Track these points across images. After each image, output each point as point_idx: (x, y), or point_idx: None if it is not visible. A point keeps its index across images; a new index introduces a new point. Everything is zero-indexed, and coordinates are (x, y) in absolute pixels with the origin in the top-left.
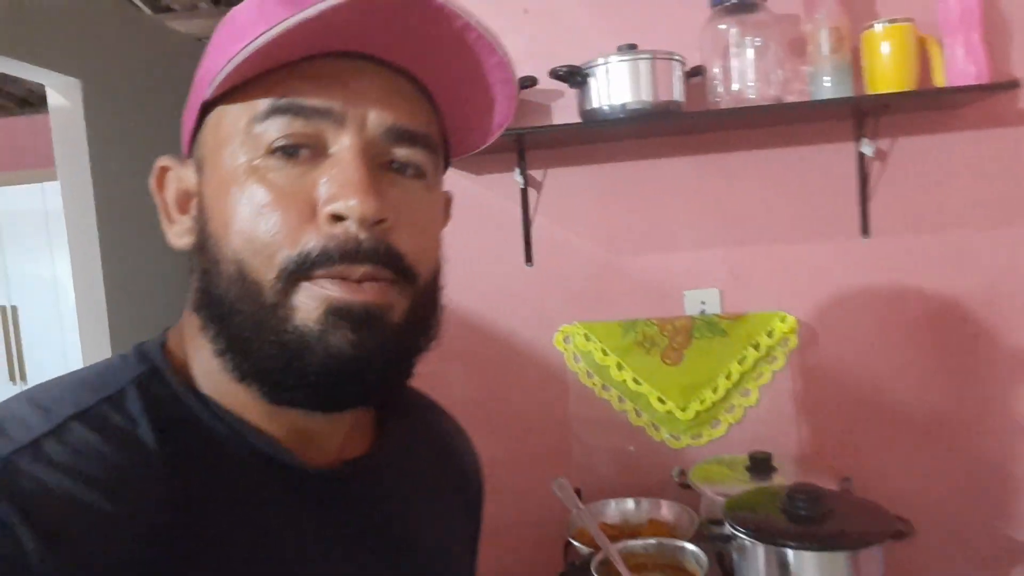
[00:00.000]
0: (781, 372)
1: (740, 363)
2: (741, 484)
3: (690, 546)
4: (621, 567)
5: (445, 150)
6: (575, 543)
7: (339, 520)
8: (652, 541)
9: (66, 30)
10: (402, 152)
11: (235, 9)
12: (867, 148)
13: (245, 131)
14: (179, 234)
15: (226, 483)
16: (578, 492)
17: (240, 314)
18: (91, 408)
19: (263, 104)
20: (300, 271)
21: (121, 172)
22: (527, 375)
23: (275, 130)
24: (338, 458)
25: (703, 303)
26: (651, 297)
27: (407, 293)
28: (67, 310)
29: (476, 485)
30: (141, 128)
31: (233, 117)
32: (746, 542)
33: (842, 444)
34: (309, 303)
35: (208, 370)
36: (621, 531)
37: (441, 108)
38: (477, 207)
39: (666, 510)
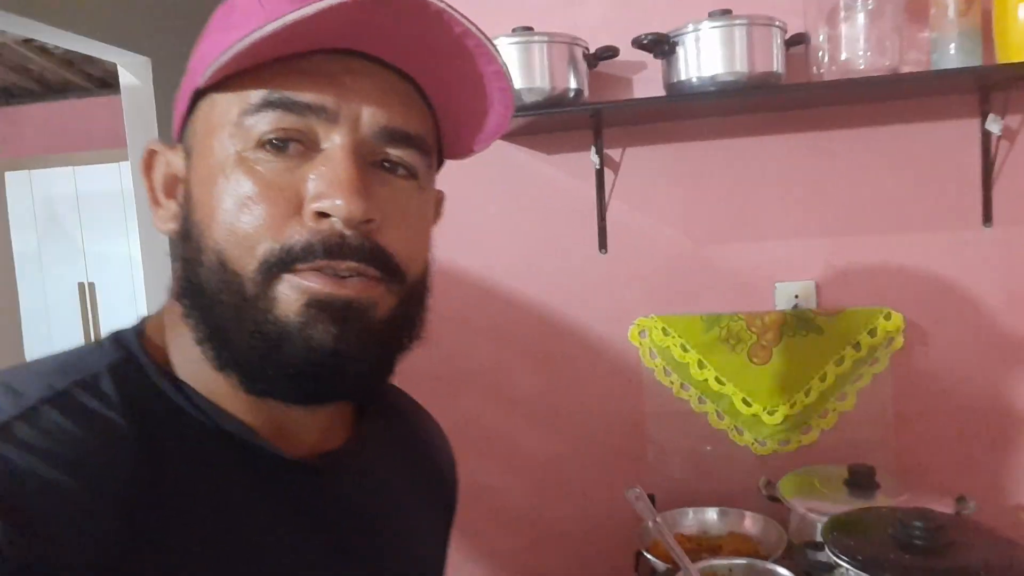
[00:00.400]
0: (883, 375)
1: (837, 364)
2: (839, 502)
3: (780, 570)
4: None
5: (439, 152)
6: (648, 556)
7: (311, 510)
8: (740, 561)
9: (136, 8)
10: (394, 152)
11: None
12: (994, 126)
13: (236, 122)
14: (164, 219)
15: (198, 468)
16: (652, 498)
17: (221, 304)
18: (63, 392)
19: (256, 96)
20: (282, 264)
21: None
22: (598, 371)
23: (266, 123)
24: (315, 449)
25: (796, 296)
26: (738, 289)
27: (394, 291)
28: (141, 287)
29: (450, 485)
30: None
31: (224, 107)
32: (851, 574)
33: (952, 459)
34: (290, 294)
35: (188, 358)
36: (699, 544)
37: (436, 111)
38: (548, 189)
39: (750, 523)
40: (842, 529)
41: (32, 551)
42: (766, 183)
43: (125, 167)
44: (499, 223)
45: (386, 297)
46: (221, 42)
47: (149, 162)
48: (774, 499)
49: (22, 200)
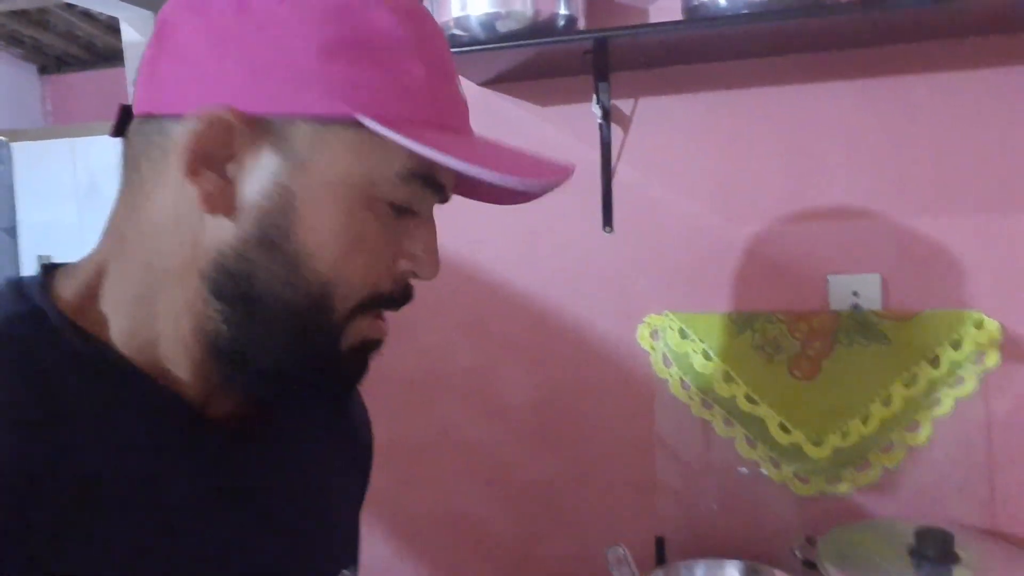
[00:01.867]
0: (970, 402)
1: (907, 384)
2: None
3: None
4: None
5: None
6: None
7: (234, 471)
8: None
9: None
10: None
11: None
12: None
13: (389, 179)
14: (214, 198)
15: (110, 424)
16: (660, 544)
17: (301, 324)
18: None
19: (410, 163)
20: (366, 307)
21: None
22: (600, 379)
23: (408, 194)
24: (235, 412)
25: (855, 294)
26: (779, 282)
27: None
28: None
29: (365, 447)
30: None
31: (382, 155)
32: None
33: None
34: (353, 333)
35: (117, 315)
36: None
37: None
38: (541, 151)
39: None
40: None
41: None
42: (819, 145)
43: None
44: None
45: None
46: (390, 85)
47: (220, 132)
48: (811, 565)
49: (64, 170)
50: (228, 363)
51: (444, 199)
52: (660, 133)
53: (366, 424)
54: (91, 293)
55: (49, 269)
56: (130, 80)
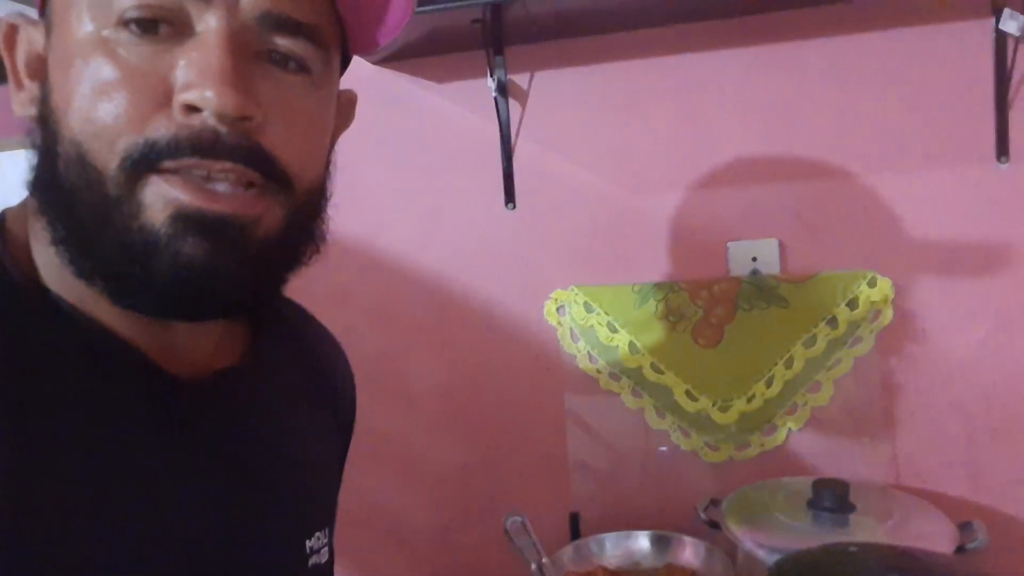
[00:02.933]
0: (867, 360)
1: (807, 346)
2: (799, 532)
3: None
4: None
5: (344, 45)
6: None
7: (200, 431)
8: None
9: None
10: (282, 42)
11: None
12: (1011, 23)
13: None
14: (24, 103)
15: (61, 383)
16: (575, 520)
17: (80, 204)
18: None
19: None
20: (146, 162)
21: None
22: (509, 359)
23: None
24: (207, 367)
25: (754, 259)
26: (680, 251)
27: (280, 202)
28: None
29: (348, 401)
30: None
31: None
32: None
33: (957, 471)
34: (156, 202)
35: (50, 261)
36: None
37: None
38: (440, 128)
39: (691, 553)
40: None
41: None
42: (714, 112)
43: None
44: (380, 175)
45: (272, 209)
46: None
47: (10, 37)
48: (716, 526)
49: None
50: (88, 276)
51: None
52: (557, 107)
53: (347, 377)
54: (22, 226)
55: (7, 211)
56: None
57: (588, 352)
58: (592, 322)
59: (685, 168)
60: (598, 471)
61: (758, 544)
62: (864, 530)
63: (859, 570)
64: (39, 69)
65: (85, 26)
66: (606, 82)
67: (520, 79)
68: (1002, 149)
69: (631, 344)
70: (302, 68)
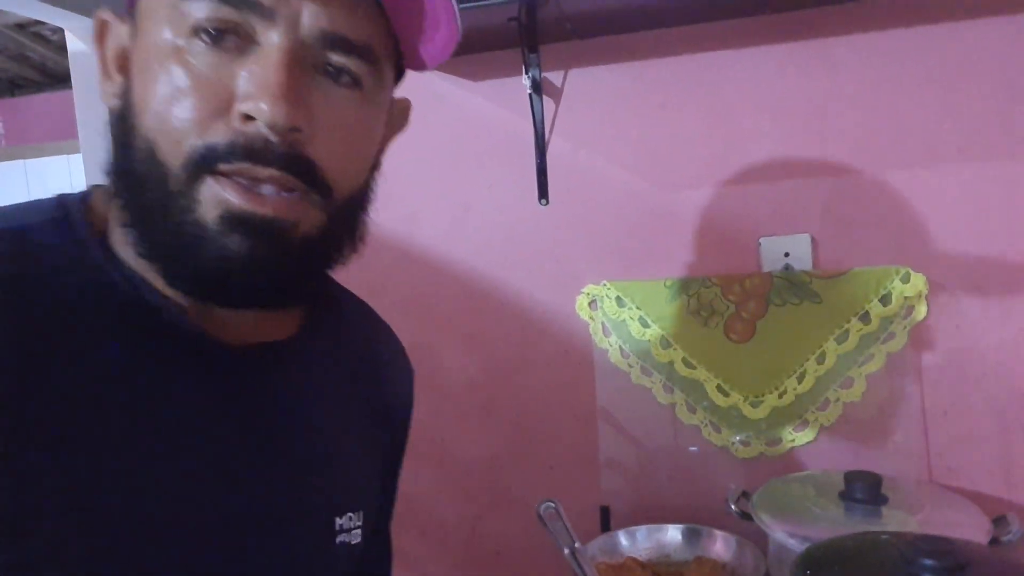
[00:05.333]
0: (900, 356)
1: (839, 341)
2: (831, 522)
3: None
4: None
5: (397, 61)
6: None
7: (243, 393)
8: None
9: None
10: (336, 58)
11: None
12: None
13: (173, 4)
14: (110, 95)
15: (119, 337)
16: (605, 513)
17: (146, 194)
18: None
19: None
20: (204, 163)
21: None
22: (540, 352)
23: (201, 12)
24: (250, 339)
25: (787, 255)
26: (712, 246)
27: (321, 207)
28: None
29: (401, 397)
30: None
31: None
32: None
33: (992, 467)
34: (210, 200)
35: (121, 238)
36: (656, 571)
37: (391, 19)
38: (475, 125)
39: (722, 546)
40: (820, 565)
41: None
42: (746, 109)
43: (76, 161)
44: (416, 170)
45: (311, 214)
46: None
47: (102, 32)
48: (747, 517)
49: (18, 191)
50: (148, 257)
51: (267, 15)
52: (591, 103)
53: (404, 378)
54: (105, 203)
55: (98, 186)
56: (77, 93)
57: (620, 346)
58: (624, 316)
59: (717, 164)
60: (629, 465)
61: (789, 534)
62: (896, 522)
63: (891, 557)
64: (124, 64)
65: (164, 33)
66: (638, 79)
67: (554, 76)
68: None
69: (663, 339)
70: (354, 82)
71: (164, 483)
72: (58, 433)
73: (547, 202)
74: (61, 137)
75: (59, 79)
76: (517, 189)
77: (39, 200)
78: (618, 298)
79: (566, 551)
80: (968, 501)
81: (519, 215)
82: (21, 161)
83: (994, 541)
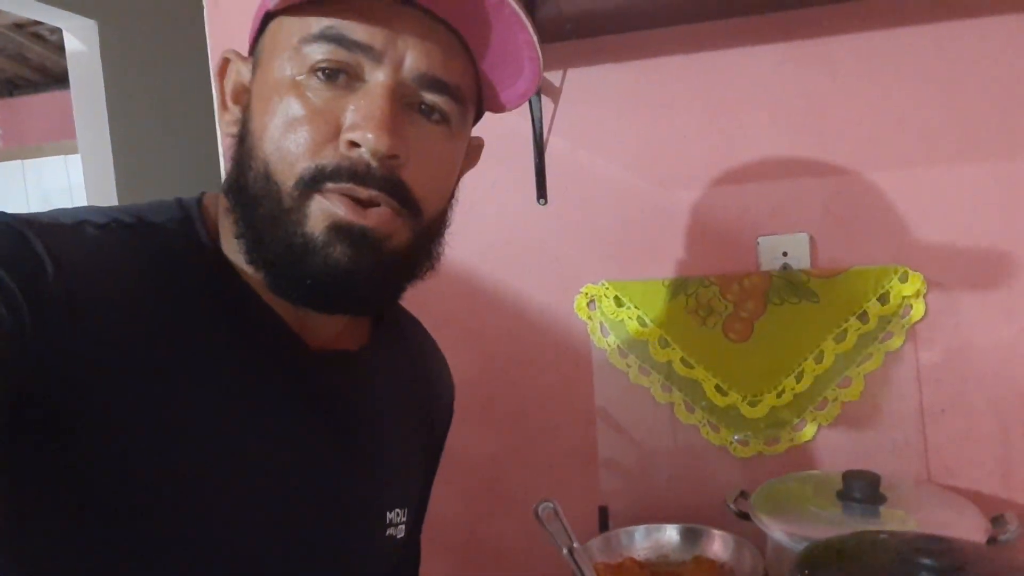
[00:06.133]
0: (899, 355)
1: (837, 340)
2: (829, 522)
3: None
4: None
5: (479, 102)
6: None
7: (320, 392)
8: None
9: None
10: (430, 97)
11: None
12: None
13: (295, 47)
14: (228, 123)
15: (230, 330)
16: (603, 513)
17: (260, 208)
18: (132, 224)
19: (315, 27)
20: (314, 182)
21: (138, 114)
22: (538, 351)
23: (320, 54)
24: (328, 347)
25: (785, 254)
26: (710, 246)
27: (410, 225)
28: None
29: (445, 412)
30: (157, 68)
31: (288, 32)
32: None
33: (993, 465)
34: (318, 215)
35: (230, 244)
36: (654, 571)
37: (478, 65)
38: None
39: (720, 545)
40: (818, 565)
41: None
42: (744, 108)
43: (74, 161)
44: None
45: (402, 230)
46: None
47: (224, 68)
48: (745, 516)
49: (16, 191)
50: (256, 265)
51: (377, 57)
52: (589, 103)
53: (448, 393)
54: (215, 211)
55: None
56: (75, 93)
57: (618, 346)
58: (622, 316)
59: (715, 163)
60: (627, 465)
61: (787, 534)
62: (894, 521)
63: (889, 557)
64: (242, 96)
65: (284, 70)
66: (637, 78)
67: (553, 76)
68: None
69: (661, 338)
70: (443, 119)
71: (252, 459)
72: (169, 395)
73: (545, 202)
74: (59, 137)
75: (57, 79)
76: (515, 189)
77: (160, 201)
78: (616, 298)
79: (564, 551)
80: (966, 500)
81: (517, 215)
82: (19, 161)
83: (992, 540)
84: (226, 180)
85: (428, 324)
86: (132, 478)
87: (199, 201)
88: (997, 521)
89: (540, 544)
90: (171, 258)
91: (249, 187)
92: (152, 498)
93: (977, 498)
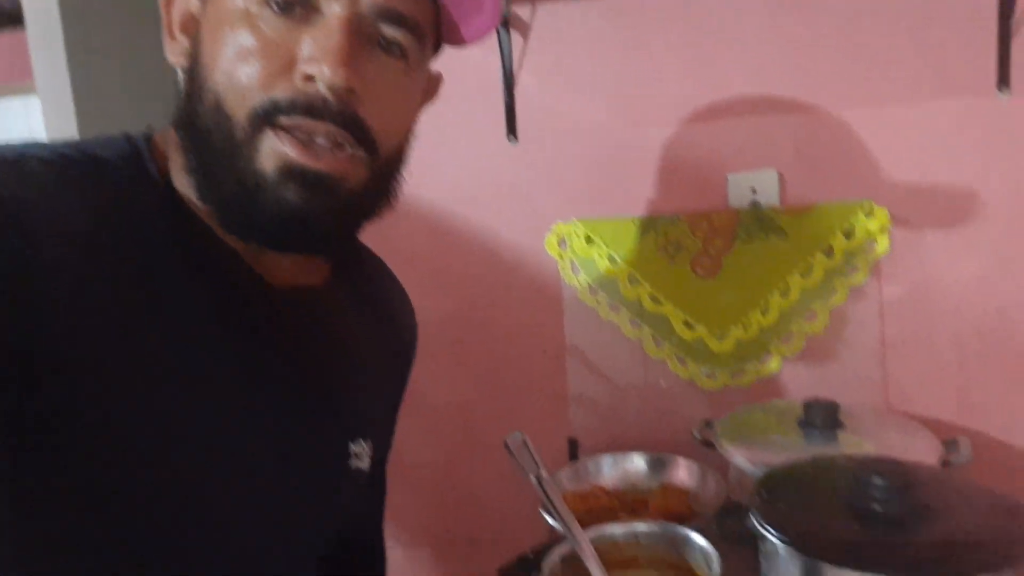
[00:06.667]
0: (862, 290)
1: (803, 275)
2: (789, 449)
3: (697, 538)
4: (594, 568)
5: (437, 37)
6: (544, 514)
7: (279, 327)
8: (643, 528)
9: None
10: (389, 31)
11: None
12: None
13: None
14: (175, 52)
15: (185, 268)
16: (573, 445)
17: (211, 142)
18: (79, 160)
19: None
20: (267, 116)
21: (99, 51)
22: (508, 290)
23: None
24: (288, 284)
25: (754, 191)
26: (680, 183)
27: (366, 163)
28: None
29: (406, 343)
30: (120, 23)
31: None
32: (781, 549)
33: (950, 395)
34: (269, 152)
35: (182, 181)
36: (620, 499)
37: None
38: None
39: (685, 473)
40: (776, 488)
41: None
42: (718, 46)
43: (34, 103)
44: None
45: (358, 169)
46: None
47: None
48: (710, 445)
49: None
50: (208, 201)
51: None
52: (559, 39)
53: (412, 332)
54: (164, 146)
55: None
56: (31, 34)
57: (588, 284)
58: (593, 254)
59: (686, 101)
60: (597, 399)
61: (749, 460)
62: (852, 446)
63: (844, 478)
64: (190, 26)
65: (236, 1)
66: (608, 14)
67: (522, 11)
68: (1003, 79)
69: (631, 276)
70: (402, 54)
71: (214, 395)
72: (125, 334)
73: (516, 139)
74: (16, 79)
75: (12, 19)
76: (485, 126)
77: (107, 136)
78: (587, 236)
79: (532, 479)
80: (921, 426)
81: (487, 153)
82: None
83: (945, 463)
84: (175, 113)
85: (397, 264)
86: (93, 421)
87: (148, 137)
88: (950, 446)
89: (513, 481)
90: (122, 195)
91: (200, 120)
92: (111, 439)
93: (933, 425)
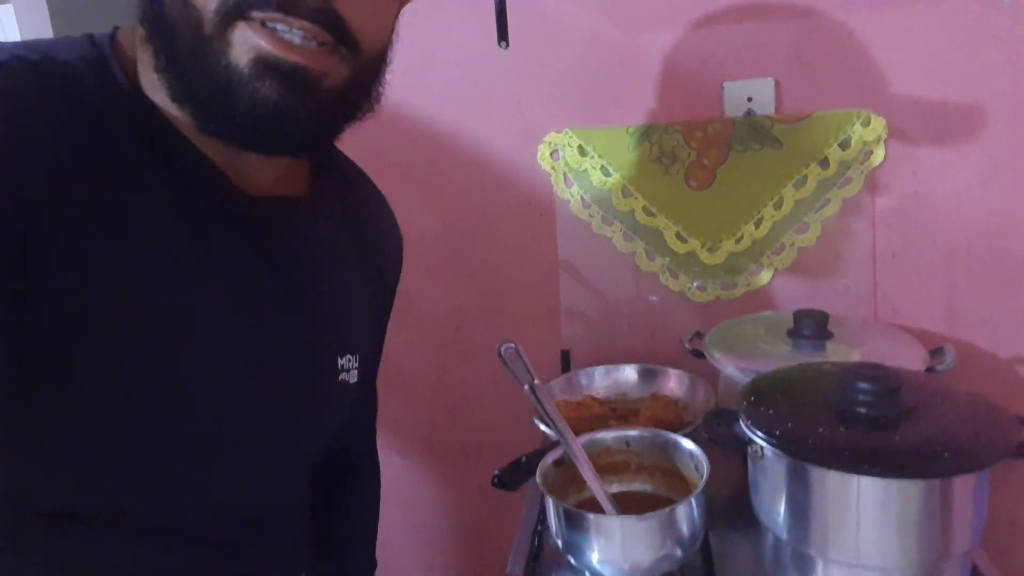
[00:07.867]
0: (856, 201)
1: (797, 187)
2: (779, 357)
3: (687, 443)
4: (587, 471)
5: None
6: (537, 423)
7: (261, 239)
8: (634, 434)
9: None
10: None
11: None
12: None
13: None
14: None
15: (147, 173)
16: (565, 356)
17: (179, 38)
18: (37, 62)
19: None
20: (238, 9)
21: None
22: (500, 202)
23: None
24: (267, 193)
25: (750, 100)
26: (675, 91)
27: (347, 62)
28: None
29: (393, 261)
30: None
31: None
32: (767, 451)
33: (938, 306)
34: (242, 44)
35: (151, 83)
36: (612, 408)
37: None
38: None
39: (675, 383)
40: (765, 393)
41: None
42: None
43: (7, 11)
44: None
45: (338, 67)
46: None
47: None
48: (700, 355)
49: None
50: (180, 101)
51: None
52: None
53: (396, 241)
54: (131, 46)
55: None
56: None
57: (581, 196)
58: (586, 166)
59: (682, 6)
60: (589, 313)
61: (738, 368)
62: (840, 355)
63: (831, 383)
64: None
65: None
66: None
67: None
68: None
69: (624, 188)
70: None
71: (195, 310)
72: (100, 250)
73: (507, 45)
74: None
75: None
76: (475, 32)
77: (68, 37)
78: (580, 147)
79: (525, 387)
80: (908, 335)
81: (478, 60)
82: None
83: (930, 370)
84: (140, 7)
85: (387, 175)
86: (74, 337)
87: (112, 37)
88: (936, 353)
89: (505, 389)
90: (86, 100)
91: (166, 13)
92: (95, 355)
93: (920, 335)
